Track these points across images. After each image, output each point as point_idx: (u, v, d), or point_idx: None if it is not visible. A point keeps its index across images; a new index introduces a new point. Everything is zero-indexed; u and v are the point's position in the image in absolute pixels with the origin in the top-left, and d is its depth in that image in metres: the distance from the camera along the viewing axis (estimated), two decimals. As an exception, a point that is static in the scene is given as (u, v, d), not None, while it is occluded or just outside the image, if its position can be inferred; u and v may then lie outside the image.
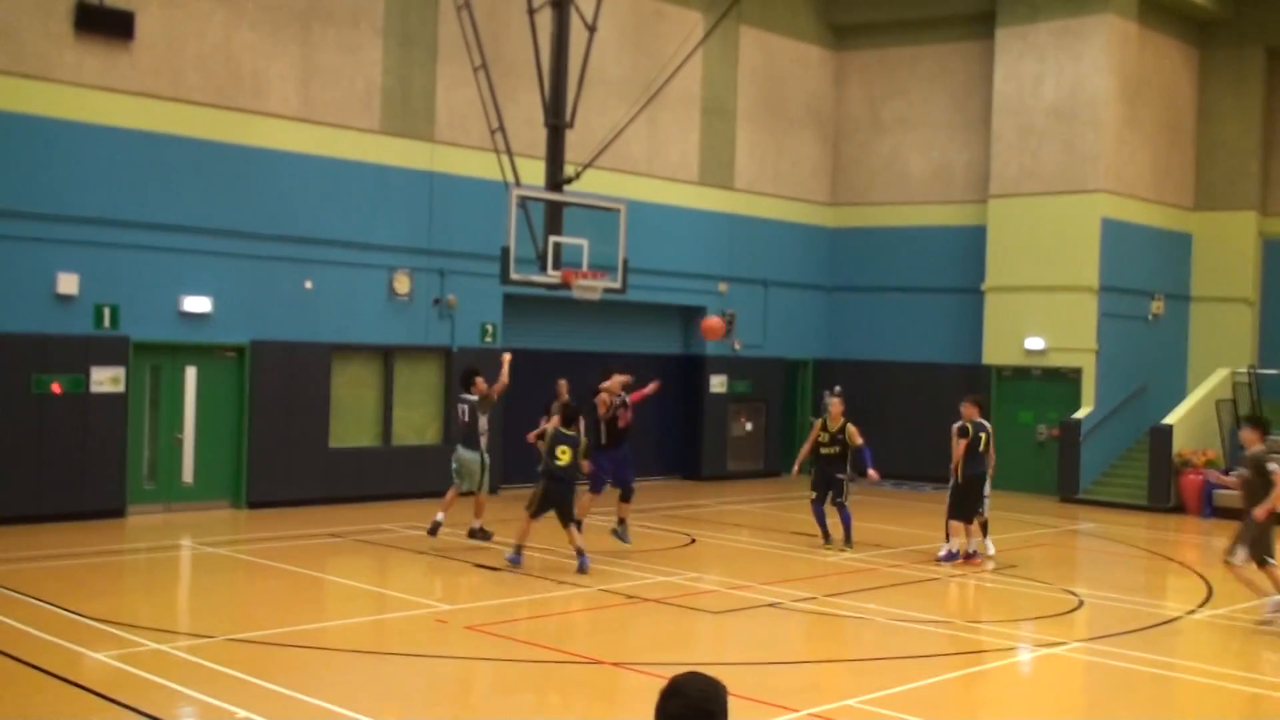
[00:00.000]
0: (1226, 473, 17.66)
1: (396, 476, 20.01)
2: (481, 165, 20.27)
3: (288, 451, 18.88)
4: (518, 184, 18.78)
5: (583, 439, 14.63)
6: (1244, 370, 23.77)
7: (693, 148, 24.30)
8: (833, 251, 26.78)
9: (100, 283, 17.09)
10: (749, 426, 25.49)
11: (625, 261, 19.11)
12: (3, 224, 16.36)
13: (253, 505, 18.55)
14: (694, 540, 16.87)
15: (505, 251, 17.88)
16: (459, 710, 9.54)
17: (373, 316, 19.84)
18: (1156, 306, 24.92)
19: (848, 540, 16.44)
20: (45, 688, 9.19)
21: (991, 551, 16.29)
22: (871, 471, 16.29)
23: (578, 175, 19.44)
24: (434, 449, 20.39)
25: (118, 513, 17.28)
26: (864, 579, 14.55)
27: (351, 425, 19.98)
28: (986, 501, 16.36)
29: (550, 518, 14.36)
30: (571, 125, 19.50)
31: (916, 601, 13.50)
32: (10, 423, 16.45)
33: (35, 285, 16.64)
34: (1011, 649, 11.84)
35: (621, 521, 15.46)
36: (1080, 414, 23.44)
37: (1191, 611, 13.39)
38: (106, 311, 17.16)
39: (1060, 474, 23.45)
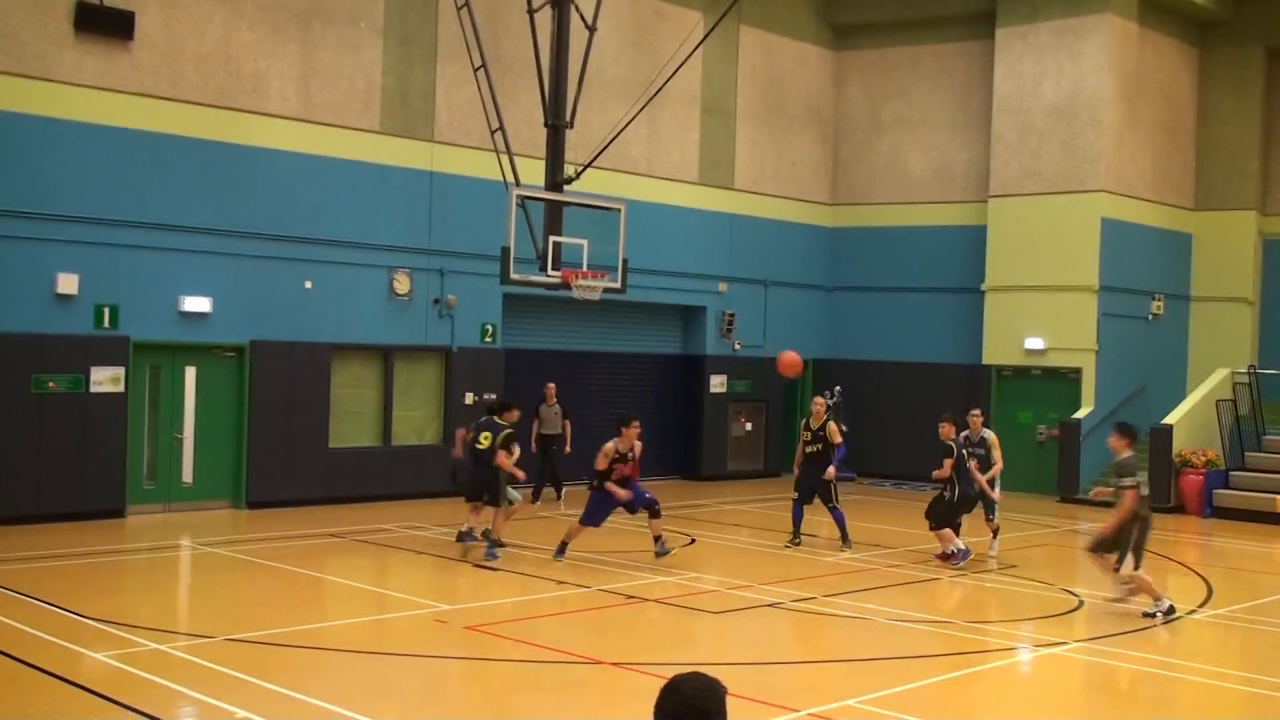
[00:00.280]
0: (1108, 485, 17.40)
1: (396, 477, 20.01)
2: (481, 165, 20.25)
3: (287, 451, 18.88)
4: (518, 184, 18.76)
5: (506, 429, 15.15)
6: (1244, 370, 23.76)
7: (692, 148, 24.29)
8: (833, 251, 26.78)
9: (100, 283, 17.09)
10: (749, 426, 25.48)
11: (625, 261, 19.09)
12: (3, 224, 16.36)
13: (252, 505, 18.54)
14: (694, 540, 16.86)
15: (505, 251, 17.86)
16: (458, 710, 9.53)
17: (372, 316, 19.84)
18: (1156, 306, 24.91)
19: (845, 540, 16.50)
20: (45, 688, 9.18)
21: (994, 552, 16.33)
22: (831, 469, 16.71)
23: (578, 175, 19.42)
24: (434, 449, 20.41)
25: (117, 513, 17.28)
26: (863, 579, 14.55)
27: (351, 425, 19.97)
28: (996, 506, 16.46)
29: (550, 517, 14.33)
30: (571, 125, 19.48)
31: (916, 601, 13.50)
32: (10, 423, 16.45)
33: (35, 285, 16.64)
34: (1011, 649, 11.83)
35: (658, 539, 15.20)
36: (1080, 414, 23.44)
37: (1191, 611, 13.38)
38: (106, 311, 17.16)
39: (1060, 474, 23.44)
